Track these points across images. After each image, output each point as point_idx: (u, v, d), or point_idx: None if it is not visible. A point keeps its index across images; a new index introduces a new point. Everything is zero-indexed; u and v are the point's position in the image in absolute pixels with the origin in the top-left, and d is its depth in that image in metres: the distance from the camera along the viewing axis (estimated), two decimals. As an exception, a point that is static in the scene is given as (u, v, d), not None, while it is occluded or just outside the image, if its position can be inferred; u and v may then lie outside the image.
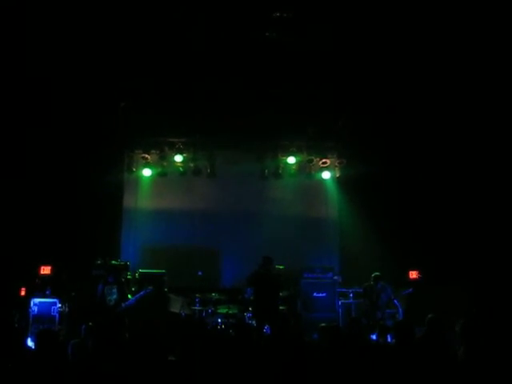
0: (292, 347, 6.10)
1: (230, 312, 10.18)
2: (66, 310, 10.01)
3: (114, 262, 10.44)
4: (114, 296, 9.09)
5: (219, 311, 10.27)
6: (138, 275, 10.65)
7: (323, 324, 7.21)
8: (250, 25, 8.85)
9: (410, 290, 10.33)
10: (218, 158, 12.53)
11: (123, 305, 9.01)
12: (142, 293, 9.31)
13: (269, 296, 9.45)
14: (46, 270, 10.24)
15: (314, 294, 11.04)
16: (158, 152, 12.26)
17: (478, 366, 5.29)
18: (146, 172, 12.46)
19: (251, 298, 9.84)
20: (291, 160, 12.56)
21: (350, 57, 9.72)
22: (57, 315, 9.78)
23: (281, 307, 10.05)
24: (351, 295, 11.06)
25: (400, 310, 10.10)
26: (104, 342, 6.01)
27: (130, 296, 9.28)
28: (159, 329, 9.00)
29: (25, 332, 9.21)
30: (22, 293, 10.03)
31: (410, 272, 10.81)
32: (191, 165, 12.47)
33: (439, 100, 10.53)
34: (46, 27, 8.81)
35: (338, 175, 13.03)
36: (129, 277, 10.49)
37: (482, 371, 5.22)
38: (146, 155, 12.28)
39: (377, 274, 10.24)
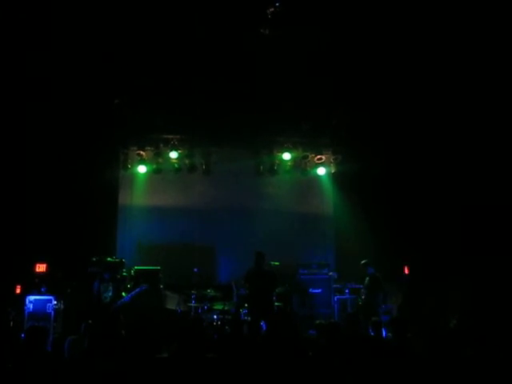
0: (288, 343, 6.12)
1: (226, 308, 10.18)
2: (62, 307, 9.99)
3: (109, 258, 10.40)
4: (110, 293, 9.08)
5: (215, 307, 10.26)
6: (134, 272, 10.63)
7: (320, 321, 7.21)
8: (244, 21, 8.83)
9: None
10: (214, 154, 12.54)
11: (118, 302, 9.00)
12: (136, 290, 9.30)
13: (263, 292, 9.48)
14: (41, 268, 10.21)
15: (310, 290, 11.07)
16: (153, 149, 12.25)
17: (472, 363, 5.32)
18: (141, 169, 12.44)
19: (244, 294, 9.85)
20: (286, 156, 12.58)
21: (345, 52, 9.72)
22: (52, 312, 9.74)
23: (277, 303, 10.07)
24: (347, 291, 11.08)
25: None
26: (99, 338, 6.01)
27: (124, 294, 9.27)
28: (154, 325, 9.00)
29: (20, 329, 9.20)
30: (18, 290, 10.01)
31: (405, 267, 10.84)
32: (186, 161, 12.46)
33: (435, 96, 10.53)
34: (42, 25, 8.77)
35: (333, 171, 13.04)
36: (124, 274, 10.47)
37: (477, 368, 5.25)
38: (141, 152, 12.27)
39: (364, 261, 10.24)
